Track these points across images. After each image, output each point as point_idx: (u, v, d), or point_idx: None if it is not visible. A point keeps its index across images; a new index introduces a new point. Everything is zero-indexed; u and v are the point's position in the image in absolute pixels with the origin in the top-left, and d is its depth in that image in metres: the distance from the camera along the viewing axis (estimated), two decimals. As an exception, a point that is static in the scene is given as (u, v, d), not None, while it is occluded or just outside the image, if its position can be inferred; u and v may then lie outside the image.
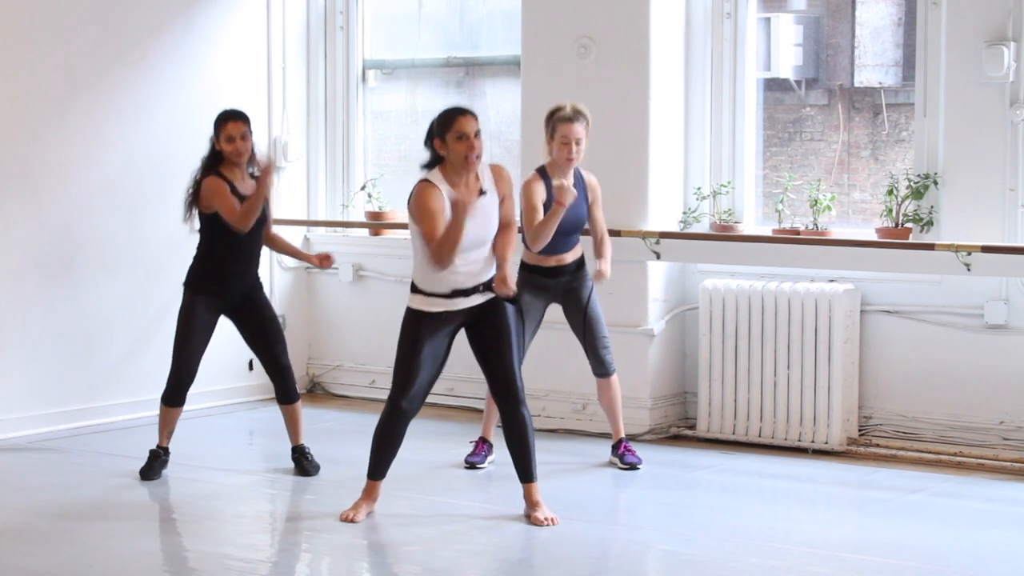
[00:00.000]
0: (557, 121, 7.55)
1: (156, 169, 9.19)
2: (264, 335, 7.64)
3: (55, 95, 8.76)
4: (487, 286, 6.73)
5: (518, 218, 7.05)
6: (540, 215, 7.48)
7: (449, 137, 6.55)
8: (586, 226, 7.75)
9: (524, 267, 7.74)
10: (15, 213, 8.60)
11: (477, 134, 6.56)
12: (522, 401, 6.75)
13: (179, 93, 9.31)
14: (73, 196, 8.86)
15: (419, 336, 6.70)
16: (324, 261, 7.75)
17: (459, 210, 6.43)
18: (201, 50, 9.47)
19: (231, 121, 7.46)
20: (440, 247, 6.49)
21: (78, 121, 8.86)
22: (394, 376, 6.75)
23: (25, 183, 8.64)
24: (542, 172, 7.65)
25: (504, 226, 6.76)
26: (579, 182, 7.67)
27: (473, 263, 6.66)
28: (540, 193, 7.53)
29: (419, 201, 6.55)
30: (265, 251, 7.85)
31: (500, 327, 6.72)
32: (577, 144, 7.52)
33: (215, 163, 7.49)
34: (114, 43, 9.03)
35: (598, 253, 7.73)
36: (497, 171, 6.76)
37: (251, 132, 7.53)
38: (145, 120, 9.19)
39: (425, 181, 6.60)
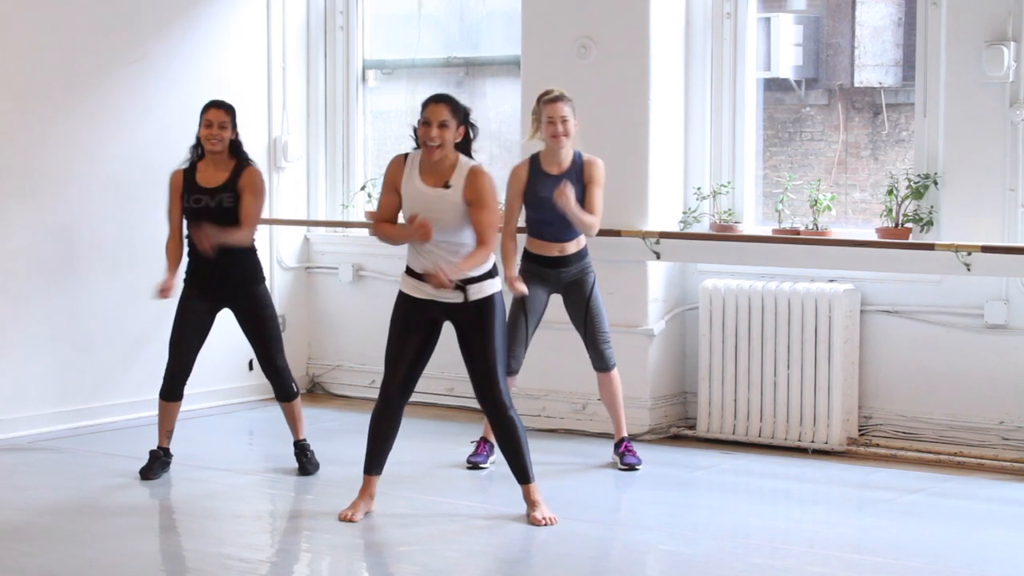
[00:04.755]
0: (542, 104, 7.61)
1: (157, 169, 9.15)
2: (258, 334, 7.63)
3: (56, 95, 8.76)
4: (460, 287, 6.64)
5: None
6: (516, 214, 7.61)
7: (420, 121, 6.64)
8: None
9: (527, 256, 7.75)
10: (15, 213, 8.60)
11: (443, 123, 6.57)
12: (507, 405, 6.72)
13: (180, 93, 9.31)
14: (74, 196, 8.86)
15: (405, 324, 6.75)
16: (164, 291, 7.59)
17: (411, 227, 6.58)
18: (202, 50, 9.47)
19: (212, 108, 7.56)
20: (376, 228, 6.84)
21: (79, 121, 8.86)
22: (385, 364, 6.80)
23: (26, 183, 8.64)
24: (533, 159, 7.67)
25: (478, 242, 6.61)
26: (575, 165, 7.63)
27: (434, 253, 6.60)
28: (519, 183, 7.64)
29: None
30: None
31: (484, 334, 6.68)
32: (564, 123, 7.54)
33: (197, 154, 7.58)
34: (115, 43, 9.03)
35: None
36: (473, 175, 6.62)
37: (233, 125, 7.55)
38: (146, 120, 9.19)
39: (399, 155, 6.79)
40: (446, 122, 6.57)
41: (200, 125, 7.54)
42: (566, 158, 7.64)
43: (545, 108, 7.59)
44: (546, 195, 7.53)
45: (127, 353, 9.13)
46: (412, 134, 6.71)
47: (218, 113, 7.53)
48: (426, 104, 6.64)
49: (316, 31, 10.10)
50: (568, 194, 7.43)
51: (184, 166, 7.61)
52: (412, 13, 10.05)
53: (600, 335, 7.77)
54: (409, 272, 6.76)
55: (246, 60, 9.75)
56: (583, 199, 7.57)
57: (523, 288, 7.40)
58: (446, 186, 6.61)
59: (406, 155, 6.76)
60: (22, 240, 8.65)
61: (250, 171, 7.58)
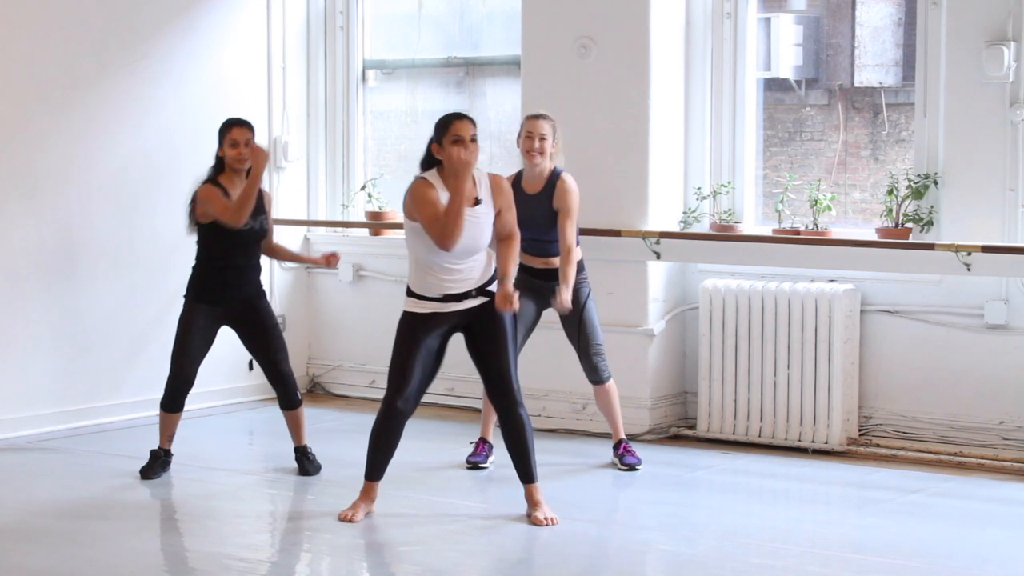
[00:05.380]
0: (524, 119, 7.67)
1: (157, 169, 9.20)
2: (265, 343, 7.65)
3: (56, 95, 8.76)
4: (480, 290, 6.72)
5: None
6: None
7: (445, 141, 6.58)
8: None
9: (519, 267, 7.74)
10: (15, 213, 8.60)
11: (473, 139, 6.58)
12: (519, 403, 6.76)
13: (180, 93, 9.31)
14: (73, 196, 8.86)
15: (413, 338, 6.72)
16: (331, 259, 7.76)
17: (456, 193, 6.45)
18: (202, 50, 9.47)
19: (236, 127, 7.51)
20: (443, 225, 6.49)
21: (79, 121, 8.86)
22: (389, 377, 6.78)
23: (25, 183, 8.64)
24: (517, 176, 7.67)
25: (505, 238, 6.74)
26: (548, 187, 7.57)
27: (465, 270, 6.66)
28: None
29: (415, 194, 6.59)
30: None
31: (496, 330, 6.72)
32: (541, 140, 7.54)
33: (216, 172, 7.52)
34: (115, 43, 9.03)
35: (561, 273, 7.45)
36: (495, 181, 6.73)
37: (255, 142, 7.53)
38: (146, 120, 9.19)
39: (422, 179, 6.65)
40: (475, 137, 6.60)
41: (223, 144, 7.46)
42: (541, 177, 7.60)
43: (526, 123, 7.64)
44: (522, 213, 7.20)
45: (127, 353, 9.13)
46: (427, 154, 6.65)
47: (243, 132, 7.47)
48: (450, 122, 6.57)
49: (316, 31, 10.10)
50: (562, 297, 7.31)
51: (209, 180, 7.49)
52: (412, 13, 10.05)
53: (593, 347, 7.74)
54: (421, 298, 6.70)
55: (246, 60, 9.74)
56: (555, 220, 7.53)
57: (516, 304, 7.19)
58: (477, 202, 6.62)
59: (424, 178, 6.64)
60: (22, 240, 8.64)
61: (267, 194, 7.68)
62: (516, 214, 6.81)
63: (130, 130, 9.13)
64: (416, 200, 6.58)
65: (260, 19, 9.81)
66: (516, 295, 6.66)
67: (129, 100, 9.11)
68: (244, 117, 7.65)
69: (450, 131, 6.57)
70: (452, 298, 6.69)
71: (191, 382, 7.65)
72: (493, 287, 6.76)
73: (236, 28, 9.69)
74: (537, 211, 7.52)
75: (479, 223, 6.64)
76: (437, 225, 6.51)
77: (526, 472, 6.80)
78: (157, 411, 7.80)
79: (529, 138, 7.58)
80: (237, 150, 7.45)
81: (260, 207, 7.56)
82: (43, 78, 8.70)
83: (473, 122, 6.63)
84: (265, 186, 7.81)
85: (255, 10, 9.78)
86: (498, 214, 6.71)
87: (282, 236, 9.94)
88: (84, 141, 8.90)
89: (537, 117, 7.61)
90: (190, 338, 7.58)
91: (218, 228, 7.47)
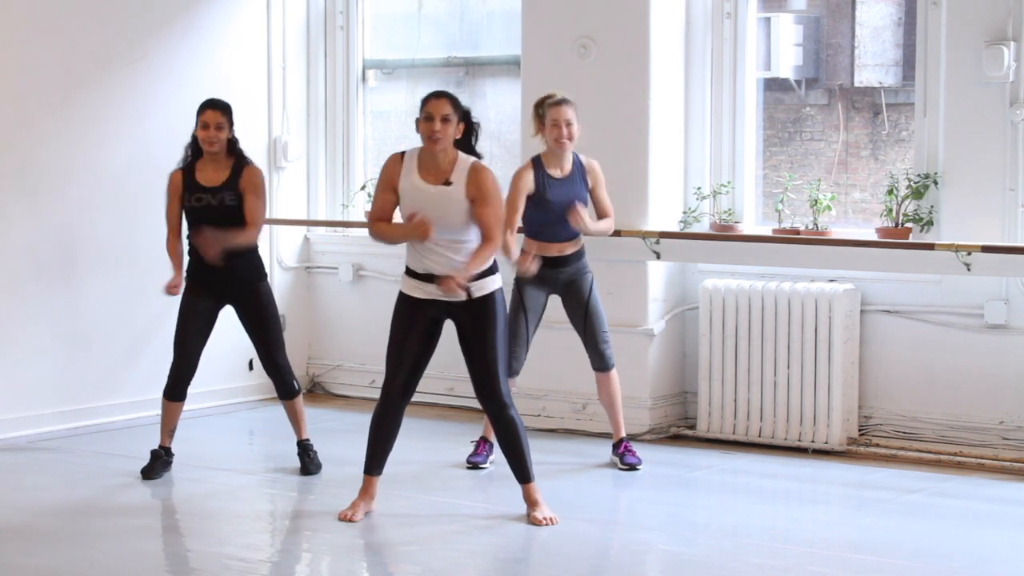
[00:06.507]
0: (547, 107, 7.65)
1: (156, 169, 9.14)
2: (260, 332, 7.64)
3: (56, 95, 8.76)
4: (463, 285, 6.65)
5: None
6: (519, 211, 7.57)
7: (420, 117, 6.63)
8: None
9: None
10: (15, 213, 8.60)
11: (445, 118, 6.58)
12: (507, 404, 6.72)
13: (180, 93, 9.30)
14: (73, 196, 8.86)
15: (405, 319, 6.74)
16: (172, 289, 7.62)
17: (410, 225, 6.55)
18: (202, 50, 9.47)
19: (209, 109, 7.54)
20: (374, 227, 6.75)
21: (78, 121, 8.87)
22: (386, 362, 6.79)
23: (25, 183, 8.64)
24: (536, 161, 7.68)
25: (484, 239, 6.62)
26: (577, 167, 7.71)
27: (444, 252, 6.59)
28: (527, 184, 7.61)
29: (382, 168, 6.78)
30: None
31: (485, 331, 6.68)
32: (568, 126, 7.58)
33: (194, 153, 7.56)
34: (115, 43, 9.03)
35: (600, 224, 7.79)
36: (474, 171, 6.62)
37: (230, 124, 7.54)
38: (146, 120, 9.19)
39: (394, 154, 6.76)
40: (448, 116, 6.59)
41: (197, 126, 7.54)
42: (568, 160, 7.69)
43: (550, 111, 7.62)
44: (552, 198, 7.60)
45: (127, 353, 9.13)
46: (416, 130, 6.70)
47: (215, 115, 7.50)
48: (427, 99, 6.66)
49: (316, 31, 10.10)
50: (584, 216, 7.57)
51: (181, 166, 7.61)
52: (412, 13, 10.05)
53: (599, 335, 7.78)
54: (409, 273, 6.75)
55: (246, 60, 9.75)
56: (592, 199, 7.76)
57: (534, 266, 7.47)
58: (447, 183, 6.61)
59: (403, 153, 6.75)
60: (22, 240, 8.65)
61: (250, 170, 7.58)
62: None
63: (130, 130, 9.13)
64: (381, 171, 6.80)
65: (260, 19, 9.81)
66: (459, 284, 6.48)
67: (129, 100, 9.12)
68: (223, 99, 7.64)
69: (423, 108, 6.64)
70: (432, 279, 6.63)
71: (194, 367, 7.64)
72: (482, 284, 6.66)
73: (236, 28, 9.69)
74: (571, 192, 7.61)
75: (442, 202, 6.58)
76: (372, 209, 6.79)
77: (522, 473, 6.79)
78: (157, 411, 7.81)
79: (556, 126, 7.59)
80: (207, 132, 7.49)
81: (232, 182, 7.50)
82: (43, 78, 8.70)
83: (452, 100, 6.63)
84: (264, 169, 7.82)
85: (255, 10, 9.79)
86: (473, 203, 6.61)
87: (283, 235, 10.00)
88: (84, 141, 8.90)
89: (560, 103, 7.61)
90: (189, 322, 7.60)
91: (187, 210, 7.54)
